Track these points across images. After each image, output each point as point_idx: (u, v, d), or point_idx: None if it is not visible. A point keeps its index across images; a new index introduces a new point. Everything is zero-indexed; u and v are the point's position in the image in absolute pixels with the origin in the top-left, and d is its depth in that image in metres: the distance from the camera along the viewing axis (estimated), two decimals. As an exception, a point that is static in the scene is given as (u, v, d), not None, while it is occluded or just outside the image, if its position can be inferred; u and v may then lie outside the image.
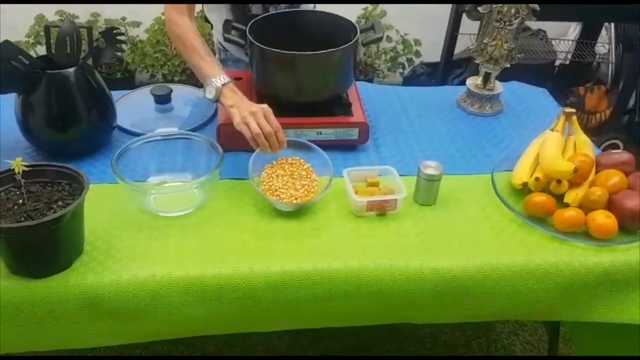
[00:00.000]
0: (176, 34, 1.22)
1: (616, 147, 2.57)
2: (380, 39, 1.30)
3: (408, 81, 3.01)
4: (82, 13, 2.72)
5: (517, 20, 1.29)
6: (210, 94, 1.13)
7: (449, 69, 2.64)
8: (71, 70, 1.13)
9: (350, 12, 2.86)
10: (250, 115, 1.09)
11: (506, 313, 1.08)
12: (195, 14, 1.34)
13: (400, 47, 2.94)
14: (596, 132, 2.63)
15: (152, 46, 2.74)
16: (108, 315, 0.96)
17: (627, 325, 1.07)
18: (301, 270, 0.98)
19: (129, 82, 2.80)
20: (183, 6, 1.24)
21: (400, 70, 3.01)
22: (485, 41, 1.35)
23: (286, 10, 1.40)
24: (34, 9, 2.63)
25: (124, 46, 2.80)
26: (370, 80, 2.96)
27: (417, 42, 2.92)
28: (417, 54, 2.93)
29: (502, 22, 1.30)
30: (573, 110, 1.19)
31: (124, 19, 2.75)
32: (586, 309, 1.06)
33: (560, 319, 1.09)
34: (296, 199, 1.08)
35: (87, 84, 1.17)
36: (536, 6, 1.27)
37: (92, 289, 0.94)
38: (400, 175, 1.15)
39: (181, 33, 1.21)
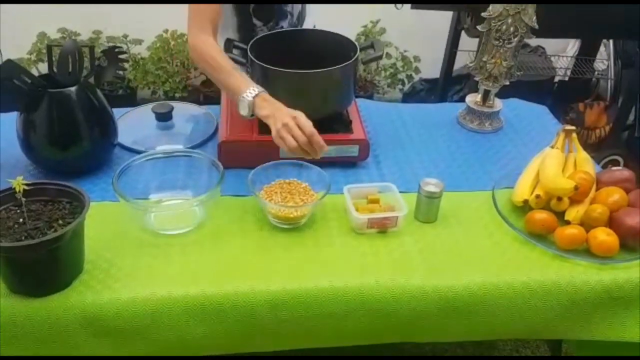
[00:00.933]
0: (201, 54, 1.20)
1: (616, 162, 2.57)
2: (380, 57, 1.31)
3: (408, 97, 3.02)
4: (84, 31, 2.75)
5: (515, 39, 1.30)
6: (244, 110, 1.11)
7: (448, 85, 2.66)
8: (73, 88, 1.14)
9: (351, 30, 2.89)
10: (284, 127, 1.06)
11: (508, 331, 1.07)
12: None
13: (399, 64, 2.96)
14: (596, 148, 2.64)
15: (153, 63, 2.76)
16: (108, 334, 0.96)
17: (629, 344, 1.06)
18: (302, 288, 0.98)
19: (131, 99, 2.82)
20: (207, 26, 1.23)
21: (400, 87, 3.03)
22: (484, 59, 1.36)
23: (287, 29, 1.42)
24: (37, 27, 2.66)
25: (125, 64, 2.82)
26: (371, 96, 2.98)
27: (417, 58, 2.94)
28: (417, 70, 2.95)
29: (501, 40, 1.31)
30: (573, 127, 1.19)
31: (125, 36, 2.77)
32: (588, 327, 1.06)
33: (562, 337, 1.08)
34: (296, 210, 1.08)
35: (89, 102, 1.17)
36: (535, 24, 1.28)
37: (92, 308, 0.94)
38: (401, 192, 1.15)
39: (206, 52, 1.19)
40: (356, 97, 1.41)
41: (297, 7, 1.48)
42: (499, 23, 1.29)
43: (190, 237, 1.07)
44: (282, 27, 1.47)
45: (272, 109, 1.10)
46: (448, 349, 1.74)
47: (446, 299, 1.00)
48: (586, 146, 2.63)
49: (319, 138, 1.08)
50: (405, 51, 2.96)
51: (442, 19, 2.52)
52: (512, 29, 1.29)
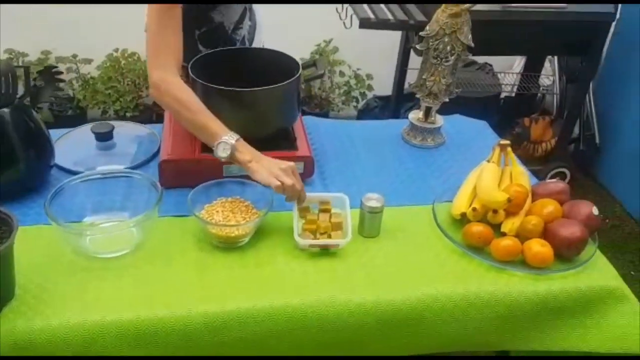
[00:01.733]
0: (175, 96, 1.16)
1: (563, 175, 2.66)
2: (321, 76, 1.33)
3: (362, 114, 3.06)
4: (32, 51, 2.69)
5: (452, 57, 1.34)
6: (224, 152, 1.10)
7: (400, 102, 2.71)
8: (6, 110, 1.11)
9: (304, 48, 2.93)
10: (281, 171, 1.09)
11: (450, 344, 1.08)
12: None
13: (353, 82, 3.00)
14: (543, 161, 2.72)
15: (103, 83, 2.72)
16: (40, 363, 0.92)
17: (567, 353, 1.08)
18: (240, 309, 0.97)
19: (81, 119, 2.76)
20: (173, 66, 1.20)
21: (355, 104, 3.06)
22: (424, 77, 1.39)
23: (230, 48, 1.42)
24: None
25: (74, 83, 2.77)
26: (326, 114, 3.00)
27: (369, 76, 2.99)
28: (370, 87, 3.00)
29: (439, 58, 1.34)
30: (507, 142, 1.22)
31: (75, 56, 2.72)
32: (526, 337, 1.08)
33: (502, 348, 1.10)
34: (237, 229, 1.07)
35: (23, 123, 1.14)
36: (470, 42, 1.32)
37: (23, 335, 0.91)
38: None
39: (180, 95, 1.16)
40: (312, 114, 1.42)
41: (246, 34, 1.48)
42: (436, 42, 1.32)
43: (127, 260, 1.05)
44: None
45: (254, 154, 1.13)
46: None
47: (386, 314, 1.00)
48: (533, 159, 2.75)
49: (305, 193, 1.13)
50: (358, 69, 3.00)
51: (392, 38, 2.58)
52: (448, 47, 1.32)
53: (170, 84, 1.17)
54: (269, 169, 1.10)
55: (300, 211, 1.13)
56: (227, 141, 1.11)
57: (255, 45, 1.54)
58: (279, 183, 1.07)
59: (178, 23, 1.21)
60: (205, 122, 1.14)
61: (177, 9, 1.19)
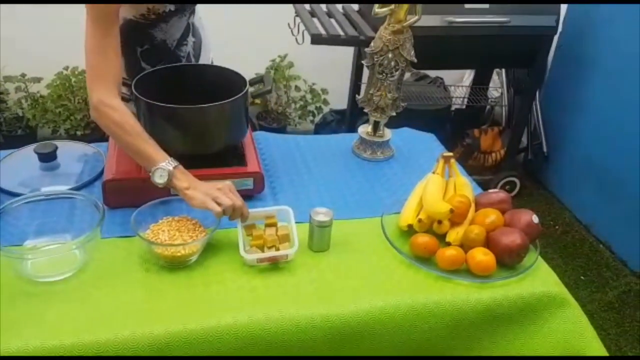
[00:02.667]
0: (113, 119, 1.15)
1: (513, 184, 2.74)
2: (269, 92, 1.33)
3: (319, 128, 3.09)
4: (-23, 69, 2.62)
5: (397, 72, 1.37)
6: (161, 178, 1.09)
7: (356, 115, 2.75)
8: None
9: (259, 64, 2.94)
10: (218, 190, 1.09)
11: (398, 354, 1.09)
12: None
13: (309, 96, 3.03)
14: (494, 171, 2.80)
15: (53, 101, 2.66)
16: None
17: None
18: (187, 329, 0.95)
19: (31, 139, 2.69)
20: (113, 87, 1.18)
21: (311, 118, 3.09)
22: (371, 92, 1.42)
23: (175, 65, 1.41)
24: None
25: (23, 102, 2.70)
26: (284, 128, 3.02)
27: (324, 90, 3.02)
28: (325, 102, 3.03)
29: (384, 74, 1.37)
30: (450, 154, 1.25)
31: (23, 75, 2.66)
32: (475, 345, 1.10)
33: (451, 354, 1.12)
34: (183, 248, 1.06)
35: (-41, 145, 1.11)
36: (413, 58, 1.35)
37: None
38: (297, 222, 1.15)
39: (119, 118, 1.14)
40: (269, 129, 1.42)
41: (190, 50, 1.48)
42: (381, 58, 1.35)
43: (70, 283, 1.02)
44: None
45: (191, 181, 1.12)
46: None
47: (334, 327, 1.01)
48: (484, 169, 2.82)
49: (247, 209, 1.13)
50: (313, 84, 3.03)
51: (346, 52, 2.62)
52: (392, 63, 1.35)
53: (109, 106, 1.15)
54: (206, 192, 1.10)
55: (246, 229, 1.13)
56: (164, 167, 1.10)
57: (202, 62, 1.53)
58: (218, 208, 1.07)
59: (117, 43, 1.20)
60: (143, 147, 1.13)
61: (115, 29, 1.18)
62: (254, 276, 1.08)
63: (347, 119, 2.87)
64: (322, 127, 3.09)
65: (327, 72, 2.97)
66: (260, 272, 1.09)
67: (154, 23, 1.37)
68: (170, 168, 1.10)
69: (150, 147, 1.13)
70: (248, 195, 1.29)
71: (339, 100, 2.98)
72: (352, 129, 2.75)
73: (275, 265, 1.11)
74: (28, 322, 0.94)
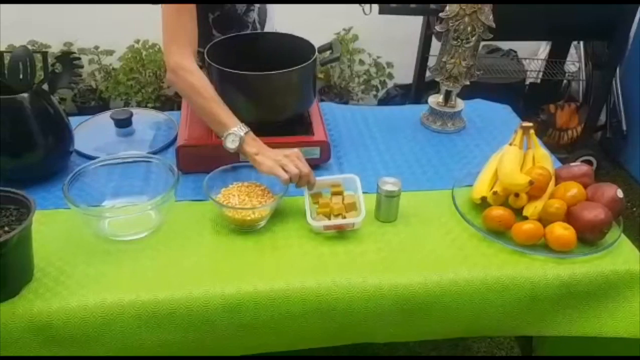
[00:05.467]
0: (190, 82, 1.16)
1: (590, 163, 2.60)
2: (337, 59, 1.31)
3: (382, 103, 3.04)
4: (54, 42, 2.73)
5: (473, 38, 1.31)
6: (233, 143, 1.11)
7: (421, 90, 2.68)
8: (25, 95, 1.12)
9: (323, 37, 2.90)
10: (285, 157, 1.10)
11: (469, 329, 1.06)
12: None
13: (373, 70, 2.97)
14: (569, 149, 2.66)
15: (125, 74, 2.74)
16: (58, 343, 0.94)
17: (591, 339, 1.06)
18: (257, 291, 0.96)
19: (103, 110, 2.78)
20: (190, 51, 1.20)
21: (374, 93, 3.04)
22: (444, 59, 1.36)
23: (246, 33, 1.41)
24: (6, 39, 2.63)
25: (96, 74, 2.81)
26: (346, 103, 2.99)
27: (390, 64, 2.96)
28: (390, 76, 2.97)
29: (459, 40, 1.32)
30: (530, 124, 1.19)
31: (97, 47, 2.76)
32: (549, 322, 1.05)
33: (524, 333, 1.07)
34: (253, 212, 1.07)
35: (42, 109, 1.15)
36: (492, 23, 1.29)
37: (41, 316, 0.92)
38: (364, 192, 1.14)
39: (196, 81, 1.16)
40: (331, 102, 1.40)
41: (256, 17, 1.47)
42: (457, 23, 1.29)
43: (144, 242, 1.06)
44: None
45: (261, 147, 1.13)
46: (422, 352, 1.73)
47: (403, 298, 0.99)
48: (559, 147, 2.69)
49: (313, 177, 1.12)
50: (378, 57, 2.97)
51: (413, 25, 2.54)
52: (469, 28, 1.29)
53: (187, 69, 1.17)
54: (274, 159, 1.10)
55: (312, 197, 1.13)
56: (236, 133, 1.11)
57: (267, 29, 1.53)
58: (285, 175, 1.08)
59: (193, 9, 1.21)
60: (217, 111, 1.15)
61: None
62: (320, 243, 1.08)
63: (412, 94, 2.80)
64: (386, 102, 3.03)
65: (393, 46, 2.90)
66: (326, 239, 1.09)
67: None
68: (242, 134, 1.11)
69: (223, 112, 1.15)
70: (314, 165, 1.28)
71: (403, 74, 2.91)
72: (418, 103, 2.70)
73: (341, 233, 1.10)
74: (105, 278, 0.98)
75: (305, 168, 1.11)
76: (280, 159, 1.10)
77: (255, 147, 1.13)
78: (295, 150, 1.13)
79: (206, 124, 1.23)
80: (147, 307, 0.93)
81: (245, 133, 1.12)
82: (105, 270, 0.99)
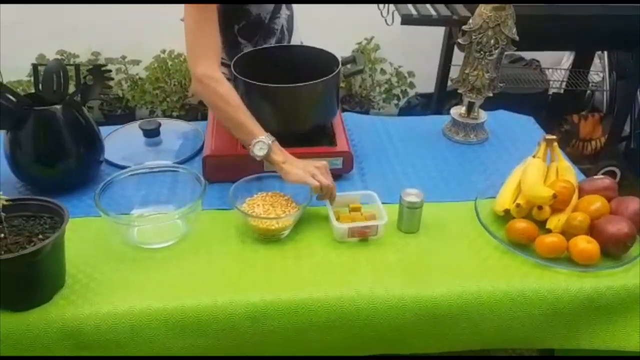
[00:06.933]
0: (217, 91, 1.18)
1: (613, 174, 2.56)
2: (361, 71, 1.33)
3: (403, 112, 3.04)
4: (83, 52, 2.80)
5: (497, 51, 1.32)
6: (261, 150, 1.14)
7: (443, 99, 2.68)
8: (58, 106, 1.16)
9: (345, 47, 2.93)
10: (316, 169, 1.13)
11: (492, 341, 1.06)
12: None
13: (394, 79, 2.99)
14: (592, 160, 2.63)
15: (151, 83, 2.80)
16: (88, 348, 0.96)
17: (615, 353, 1.05)
18: (281, 300, 0.98)
19: (129, 118, 2.85)
20: (215, 62, 1.22)
21: (396, 102, 3.05)
22: (467, 71, 1.37)
23: (271, 46, 1.44)
24: (36, 49, 2.71)
25: (123, 83, 2.87)
26: (367, 112, 3.00)
27: (411, 74, 2.97)
28: (411, 85, 2.97)
29: (482, 52, 1.32)
30: (553, 137, 1.19)
31: (124, 57, 2.82)
32: (572, 335, 1.05)
33: (546, 346, 1.07)
34: (277, 222, 1.09)
35: (74, 119, 1.19)
36: (515, 36, 1.29)
37: (72, 322, 0.95)
38: (385, 203, 1.16)
39: (223, 90, 1.18)
40: (353, 112, 1.42)
41: (284, 24, 1.50)
42: (480, 35, 1.30)
43: (172, 250, 1.08)
44: (270, 44, 1.50)
45: (287, 156, 1.16)
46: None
47: (425, 309, 1.00)
48: (582, 158, 2.67)
49: (335, 191, 1.15)
50: (399, 67, 2.98)
51: (435, 35, 2.55)
52: (492, 41, 1.30)
53: (214, 79, 1.19)
54: (304, 168, 1.13)
55: (334, 213, 1.14)
56: (264, 141, 1.14)
57: (294, 37, 1.55)
58: (317, 183, 1.10)
59: (215, 19, 1.23)
60: (244, 120, 1.17)
61: (214, 6, 1.22)
62: (343, 252, 1.09)
63: (433, 103, 2.80)
64: (407, 111, 3.03)
65: (414, 55, 2.90)
66: (349, 248, 1.10)
67: None
68: (270, 142, 1.14)
69: (250, 121, 1.17)
70: (337, 175, 1.30)
71: (425, 83, 2.91)
72: (439, 113, 2.70)
73: (364, 242, 1.11)
74: (134, 285, 1.00)
75: (331, 182, 1.13)
76: (310, 169, 1.13)
77: (282, 155, 1.15)
78: (324, 162, 1.16)
79: (232, 135, 1.26)
80: (175, 314, 0.96)
81: (272, 142, 1.15)
82: (133, 277, 1.02)
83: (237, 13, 1.41)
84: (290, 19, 1.52)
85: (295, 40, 1.55)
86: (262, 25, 1.46)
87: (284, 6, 1.48)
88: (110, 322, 0.95)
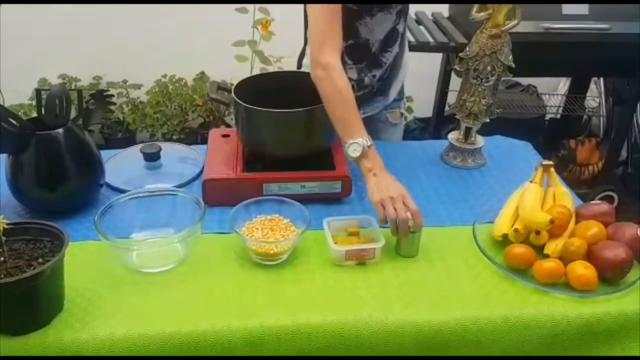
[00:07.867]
0: (336, 82, 1.17)
1: (611, 199, 2.58)
2: (360, 97, 1.34)
3: (402, 136, 3.06)
4: (84, 76, 2.83)
5: (493, 77, 1.34)
6: (354, 152, 1.13)
7: (441, 124, 2.70)
8: (60, 130, 1.17)
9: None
10: (390, 199, 1.11)
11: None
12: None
13: (393, 104, 3.01)
14: (590, 185, 2.65)
15: (152, 107, 2.82)
16: (85, 373, 0.96)
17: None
18: (279, 325, 0.98)
19: (130, 142, 2.87)
20: (339, 50, 1.20)
21: (395, 126, 3.07)
22: (464, 97, 1.39)
23: (270, 72, 1.46)
24: (38, 73, 2.74)
25: (124, 107, 2.89)
26: (366, 136, 3.02)
27: (409, 98, 3.00)
28: (410, 110, 3.00)
29: (479, 79, 1.34)
30: (550, 162, 1.20)
31: (125, 81, 2.85)
32: (571, 361, 1.05)
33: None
34: (276, 246, 1.09)
35: (76, 144, 1.20)
36: (511, 63, 1.32)
37: (71, 346, 0.94)
38: (384, 227, 1.16)
39: (341, 83, 1.17)
40: None
41: (391, 59, 1.50)
42: (476, 62, 1.33)
43: (171, 274, 1.08)
44: (373, 76, 1.50)
45: (376, 165, 1.15)
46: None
47: (424, 335, 1.00)
48: (580, 182, 2.68)
49: (420, 218, 1.11)
50: (398, 92, 3.01)
51: (432, 61, 2.58)
52: (489, 67, 1.32)
53: (335, 69, 1.18)
54: (382, 192, 1.11)
55: (332, 237, 1.14)
56: (360, 143, 1.13)
57: (393, 80, 1.57)
58: (382, 215, 1.10)
59: (340, 14, 1.22)
60: (350, 114, 1.16)
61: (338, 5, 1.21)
62: (342, 277, 1.09)
63: (431, 127, 2.82)
64: (406, 135, 3.05)
65: (413, 80, 2.92)
66: (347, 273, 1.10)
67: (360, 14, 1.39)
68: (366, 145, 1.13)
69: (354, 119, 1.16)
70: (336, 199, 1.31)
71: (423, 108, 2.94)
72: (437, 137, 2.73)
73: (362, 266, 1.11)
74: (132, 310, 1.00)
75: (403, 214, 1.09)
76: (385, 197, 1.11)
77: (372, 163, 1.15)
78: (402, 191, 1.13)
79: (231, 159, 1.27)
80: (173, 339, 0.95)
81: (369, 146, 1.14)
82: (132, 301, 1.02)
83: (345, 30, 1.34)
84: (399, 56, 1.52)
85: (396, 76, 1.58)
86: (368, 52, 1.46)
87: (396, 42, 1.48)
88: (108, 346, 0.94)
